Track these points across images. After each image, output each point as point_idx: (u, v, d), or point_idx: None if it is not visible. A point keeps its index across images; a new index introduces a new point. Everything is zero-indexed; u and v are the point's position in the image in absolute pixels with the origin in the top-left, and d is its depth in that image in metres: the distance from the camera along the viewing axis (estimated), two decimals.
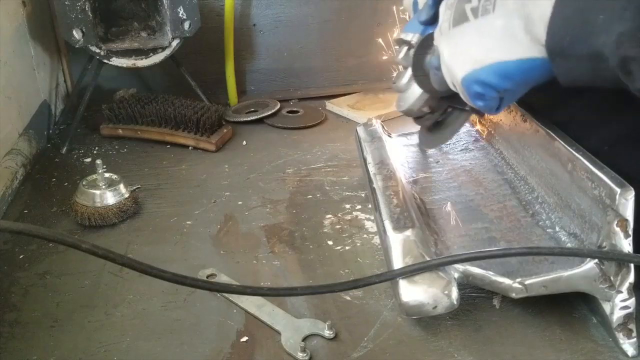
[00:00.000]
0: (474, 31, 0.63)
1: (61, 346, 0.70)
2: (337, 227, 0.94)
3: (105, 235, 0.93)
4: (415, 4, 0.89)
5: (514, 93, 0.66)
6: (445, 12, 0.68)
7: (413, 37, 0.82)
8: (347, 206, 1.00)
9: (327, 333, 0.70)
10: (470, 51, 0.64)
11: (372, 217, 0.94)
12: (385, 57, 1.38)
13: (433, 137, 0.92)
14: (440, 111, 0.87)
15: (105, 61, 1.27)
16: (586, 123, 0.77)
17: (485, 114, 0.92)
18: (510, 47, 0.60)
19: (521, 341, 0.68)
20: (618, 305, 0.65)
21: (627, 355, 0.66)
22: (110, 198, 0.95)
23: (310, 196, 1.05)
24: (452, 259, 0.69)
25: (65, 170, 1.16)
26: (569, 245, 0.74)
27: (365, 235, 0.91)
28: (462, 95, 0.69)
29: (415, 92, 0.84)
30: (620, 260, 0.64)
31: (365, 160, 0.96)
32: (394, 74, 0.90)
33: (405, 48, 0.84)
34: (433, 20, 0.77)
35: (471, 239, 0.78)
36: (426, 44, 0.78)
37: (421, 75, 0.80)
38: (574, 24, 0.54)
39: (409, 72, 0.84)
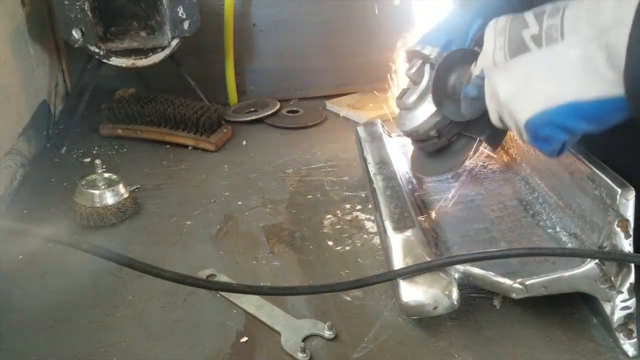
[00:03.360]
0: (540, 64, 0.54)
1: (61, 346, 0.70)
2: (337, 227, 0.94)
3: (105, 235, 0.93)
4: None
5: (586, 134, 0.57)
6: (495, 39, 0.59)
7: (432, 52, 0.74)
8: (347, 206, 1.00)
9: (327, 333, 0.70)
10: (539, 89, 0.54)
11: (372, 217, 0.94)
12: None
13: (434, 164, 0.83)
14: (449, 137, 0.77)
15: (105, 61, 1.27)
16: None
17: (499, 145, 0.80)
18: (590, 82, 0.51)
19: (522, 342, 0.68)
20: (619, 306, 0.65)
21: (627, 356, 0.65)
22: (109, 198, 0.95)
23: (310, 196, 1.04)
24: (453, 259, 0.69)
25: (64, 171, 1.15)
26: (569, 245, 0.74)
27: (365, 236, 0.91)
28: (520, 137, 0.60)
29: (425, 113, 0.75)
30: (621, 260, 0.63)
31: (365, 160, 0.96)
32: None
33: (419, 62, 0.76)
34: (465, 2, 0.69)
35: (472, 240, 0.78)
36: (452, 63, 0.70)
37: (442, 97, 0.72)
38: None
39: (420, 89, 0.76)
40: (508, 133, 0.81)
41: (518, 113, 0.57)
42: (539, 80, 0.54)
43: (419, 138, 0.79)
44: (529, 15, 0.56)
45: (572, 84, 0.52)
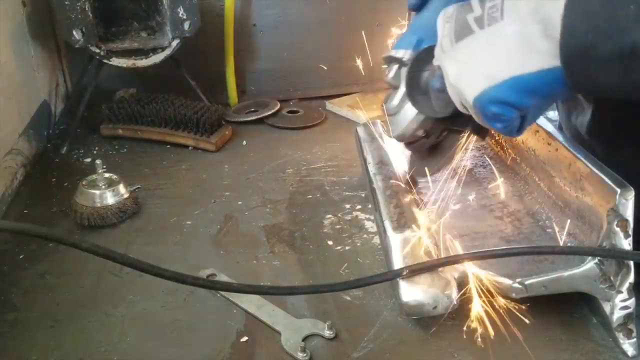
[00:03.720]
0: (482, 44, 0.56)
1: (61, 346, 0.70)
2: (337, 227, 0.94)
3: (105, 235, 0.93)
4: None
5: (537, 109, 0.58)
6: (444, 26, 0.61)
7: (405, 54, 0.75)
8: (347, 206, 1.00)
9: (327, 333, 0.70)
10: (480, 67, 0.56)
11: (372, 217, 0.94)
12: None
13: (428, 164, 0.83)
14: (436, 135, 0.78)
15: (105, 61, 1.27)
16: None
17: (486, 134, 0.80)
18: (527, 57, 0.52)
19: (522, 341, 0.68)
20: (618, 306, 0.65)
21: (627, 355, 0.66)
22: (110, 198, 0.95)
23: (310, 196, 1.04)
24: (452, 258, 0.69)
25: (65, 170, 1.15)
26: (569, 245, 0.74)
27: (365, 235, 0.91)
28: (476, 118, 0.61)
29: (409, 114, 0.76)
30: (620, 257, 0.63)
31: (365, 160, 0.96)
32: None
33: (395, 66, 0.77)
34: (422, 4, 0.70)
35: (471, 239, 0.78)
36: (421, 61, 0.70)
37: (417, 95, 0.72)
38: (597, 19, 0.46)
39: (400, 92, 0.77)
40: None
41: (465, 94, 0.58)
42: (480, 59, 0.56)
43: (408, 140, 0.80)
44: (474, 0, 0.58)
45: (510, 60, 0.53)
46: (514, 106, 0.55)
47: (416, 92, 0.72)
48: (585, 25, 0.47)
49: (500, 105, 0.55)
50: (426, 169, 0.84)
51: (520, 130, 0.59)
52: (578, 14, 0.47)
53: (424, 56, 0.70)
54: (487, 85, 0.55)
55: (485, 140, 0.89)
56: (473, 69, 0.57)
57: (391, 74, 0.77)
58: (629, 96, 0.51)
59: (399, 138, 0.80)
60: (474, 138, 0.79)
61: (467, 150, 0.83)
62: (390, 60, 0.77)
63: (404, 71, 0.74)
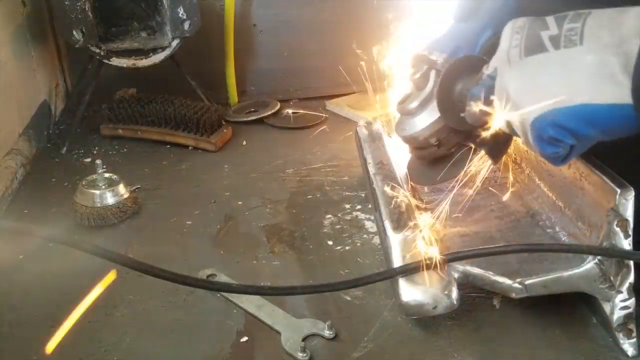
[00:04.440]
0: (555, 64, 0.53)
1: (61, 346, 0.70)
2: (337, 227, 0.94)
3: (105, 235, 0.93)
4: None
5: (589, 142, 0.56)
6: (512, 36, 0.58)
7: (439, 57, 0.72)
8: (347, 206, 1.00)
9: (327, 333, 0.70)
10: (549, 88, 0.53)
11: (372, 217, 0.94)
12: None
13: (431, 173, 0.80)
14: (449, 147, 0.75)
15: (105, 61, 1.27)
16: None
17: (501, 158, 0.76)
18: (602, 87, 0.50)
19: (521, 341, 0.68)
20: (618, 306, 0.65)
21: (627, 355, 0.66)
22: (110, 198, 0.95)
23: (310, 196, 1.04)
24: (452, 257, 0.69)
25: (65, 170, 1.15)
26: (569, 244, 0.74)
27: (365, 235, 0.91)
28: (523, 138, 0.59)
29: (427, 120, 0.73)
30: (619, 257, 0.63)
31: (365, 160, 0.96)
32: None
33: (425, 67, 0.73)
34: (471, 13, 0.68)
35: (471, 239, 0.78)
36: (459, 69, 0.67)
37: (447, 102, 0.69)
38: None
39: (423, 95, 0.73)
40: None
41: (525, 111, 0.56)
42: (551, 80, 0.54)
43: (417, 145, 0.77)
44: (550, 18, 0.56)
45: (585, 87, 0.51)
46: (572, 133, 0.53)
47: (447, 100, 0.69)
48: None
49: (560, 130, 0.54)
50: (429, 178, 0.81)
51: (565, 160, 0.57)
52: None
53: (462, 64, 0.68)
54: (554, 107, 0.53)
55: (497, 164, 0.83)
56: (541, 87, 0.54)
57: (418, 74, 0.74)
58: None
59: (409, 140, 0.77)
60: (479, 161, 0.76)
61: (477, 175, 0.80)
62: (422, 60, 0.74)
63: (433, 75, 0.72)
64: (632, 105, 0.49)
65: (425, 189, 0.93)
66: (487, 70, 0.62)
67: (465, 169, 0.76)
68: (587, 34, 0.51)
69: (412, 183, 0.88)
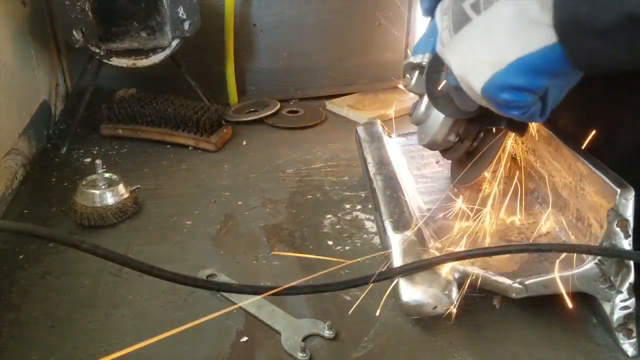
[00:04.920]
0: (480, 30, 0.53)
1: (61, 346, 0.70)
2: (337, 227, 0.94)
3: (105, 235, 0.93)
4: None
5: (557, 88, 0.54)
6: (442, 19, 0.58)
7: (423, 58, 0.71)
8: (347, 206, 1.00)
9: (327, 333, 0.70)
10: (482, 54, 0.52)
11: (372, 217, 0.94)
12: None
13: (467, 170, 0.78)
14: (471, 138, 0.74)
15: (105, 61, 1.27)
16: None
17: (526, 128, 0.73)
18: (529, 35, 0.49)
19: (521, 341, 0.68)
20: (618, 306, 0.65)
21: (627, 355, 0.66)
22: (109, 198, 0.95)
23: (310, 196, 1.04)
24: (451, 256, 0.69)
25: (65, 170, 1.15)
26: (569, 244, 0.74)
27: (365, 235, 0.91)
28: (491, 108, 0.57)
29: (437, 120, 0.72)
30: (619, 257, 0.63)
31: (365, 160, 0.96)
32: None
33: (416, 73, 0.73)
34: (434, 8, 0.65)
35: (472, 239, 0.78)
36: (438, 61, 0.67)
37: (439, 97, 0.69)
38: None
39: (425, 99, 0.73)
40: None
41: (473, 85, 0.55)
42: (481, 46, 0.52)
43: (441, 147, 0.76)
44: None
45: (512, 41, 0.50)
46: (525, 90, 0.52)
47: (437, 94, 0.69)
48: None
49: (511, 91, 0.52)
50: (469, 174, 0.79)
51: (543, 114, 0.55)
52: None
53: (440, 57, 0.67)
54: (493, 73, 0.52)
55: (524, 135, 0.80)
56: (475, 57, 0.53)
57: (413, 81, 0.74)
58: (636, 67, 0.46)
59: (431, 146, 0.76)
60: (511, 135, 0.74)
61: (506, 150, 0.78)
62: (411, 67, 0.74)
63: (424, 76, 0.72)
64: (559, 44, 0.47)
65: (421, 184, 0.93)
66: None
67: (498, 151, 0.74)
68: None
69: (460, 186, 0.85)
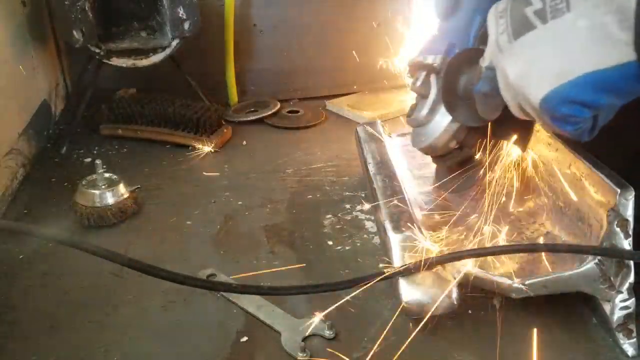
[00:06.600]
0: (548, 39, 0.51)
1: (61, 346, 0.70)
2: (337, 227, 0.94)
3: (105, 235, 0.93)
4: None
5: (611, 109, 0.52)
6: (497, 22, 0.56)
7: (435, 60, 0.70)
8: (347, 206, 1.00)
9: (327, 333, 0.70)
10: (548, 65, 0.51)
11: (372, 217, 0.94)
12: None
13: (458, 180, 0.77)
14: (471, 147, 0.72)
15: (105, 61, 1.27)
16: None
17: (528, 144, 0.73)
18: (604, 51, 0.47)
19: (521, 341, 0.68)
20: (618, 306, 0.65)
21: (627, 355, 0.66)
22: (109, 198, 0.95)
23: (310, 196, 1.04)
24: (451, 256, 0.69)
25: (65, 170, 1.15)
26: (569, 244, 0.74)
27: (365, 235, 0.91)
28: (540, 121, 0.56)
29: (440, 124, 0.70)
30: (619, 257, 0.63)
31: (365, 160, 0.96)
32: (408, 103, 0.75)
33: (423, 74, 0.72)
34: (454, 9, 0.66)
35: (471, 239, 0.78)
36: (457, 65, 0.65)
37: (455, 102, 0.67)
38: None
39: (430, 101, 0.71)
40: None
41: (531, 95, 0.53)
42: (548, 56, 0.51)
43: (439, 153, 0.74)
44: None
45: (584, 55, 0.48)
46: (587, 105, 0.50)
47: (454, 98, 0.67)
48: None
49: (573, 105, 0.51)
50: (462, 184, 0.78)
51: (592, 133, 0.54)
52: None
53: (460, 60, 0.66)
54: (558, 84, 0.50)
55: (526, 151, 0.80)
56: (539, 66, 0.52)
57: (419, 82, 0.72)
58: None
59: (429, 150, 0.74)
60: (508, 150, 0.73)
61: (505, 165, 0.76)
62: (418, 67, 0.72)
63: (434, 79, 0.70)
64: (637, 63, 0.46)
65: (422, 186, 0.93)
66: (484, 63, 0.60)
67: (496, 165, 0.73)
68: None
69: (447, 194, 0.83)
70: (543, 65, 0.51)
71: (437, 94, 0.70)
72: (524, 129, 0.68)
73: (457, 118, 0.68)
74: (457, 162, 0.74)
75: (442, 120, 0.70)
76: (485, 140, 0.71)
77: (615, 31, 0.46)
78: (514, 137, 0.69)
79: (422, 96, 0.73)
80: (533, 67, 0.52)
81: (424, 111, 0.72)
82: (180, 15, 1.26)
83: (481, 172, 0.74)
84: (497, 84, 0.59)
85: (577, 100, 0.50)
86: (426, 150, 0.74)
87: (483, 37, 0.62)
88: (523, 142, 0.70)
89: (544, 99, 0.52)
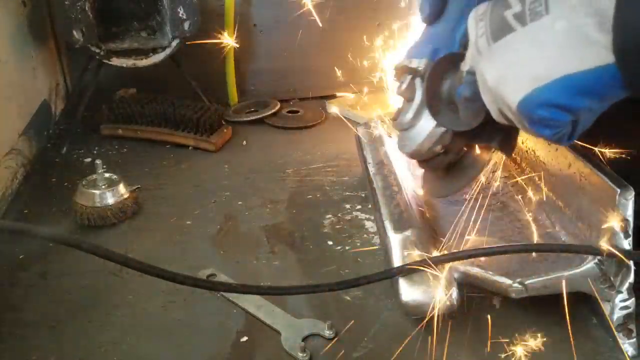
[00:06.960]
0: (526, 42, 0.50)
1: (61, 346, 0.70)
2: (337, 227, 0.94)
3: (105, 235, 0.93)
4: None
5: (591, 112, 0.52)
6: (476, 26, 0.55)
7: (420, 64, 0.69)
8: (347, 206, 1.00)
9: (327, 333, 0.70)
10: (525, 68, 0.50)
11: (372, 217, 0.94)
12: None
13: (444, 183, 0.76)
14: (456, 151, 0.72)
15: (105, 61, 1.27)
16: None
17: (514, 149, 0.71)
18: (581, 53, 0.47)
19: (521, 341, 0.68)
20: (618, 306, 0.65)
21: (627, 355, 0.65)
22: (109, 198, 0.95)
23: (310, 196, 1.04)
24: (451, 256, 0.69)
25: (65, 170, 1.15)
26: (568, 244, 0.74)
27: (365, 235, 0.91)
28: (519, 126, 0.56)
29: (425, 128, 0.69)
30: (618, 256, 0.63)
31: (365, 160, 0.96)
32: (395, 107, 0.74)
33: (409, 77, 0.71)
34: (440, 13, 0.65)
35: (472, 239, 0.78)
36: (441, 69, 0.65)
37: (438, 106, 0.67)
38: None
39: (415, 105, 0.70)
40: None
41: (508, 98, 0.52)
42: (525, 58, 0.50)
43: (424, 157, 0.73)
44: None
45: (563, 57, 0.48)
46: (565, 109, 0.50)
47: (437, 103, 0.67)
48: None
49: (550, 109, 0.50)
50: (446, 188, 0.77)
51: (572, 137, 0.53)
52: (632, 4, 0.42)
53: (443, 64, 0.66)
54: (535, 87, 0.50)
55: (511, 156, 0.79)
56: (517, 70, 0.51)
57: (404, 86, 0.71)
58: None
59: (414, 155, 0.73)
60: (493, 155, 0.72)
61: (492, 171, 0.76)
62: (404, 70, 0.72)
63: (419, 82, 0.70)
64: (615, 65, 0.46)
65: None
66: (465, 67, 0.60)
67: (483, 169, 0.73)
68: (552, 1, 0.48)
69: (431, 198, 0.83)
70: (520, 68, 0.51)
71: (422, 97, 0.70)
72: (508, 134, 0.68)
73: (441, 122, 0.68)
74: (444, 166, 0.74)
75: (427, 125, 0.69)
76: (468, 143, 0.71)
77: (594, 34, 0.46)
78: (498, 141, 0.69)
79: (408, 100, 0.72)
80: (510, 70, 0.52)
81: (409, 115, 0.71)
82: (180, 15, 1.26)
83: (471, 176, 0.74)
84: (476, 87, 0.58)
85: (555, 103, 0.50)
86: (412, 155, 0.73)
87: (468, 42, 0.61)
88: (507, 148, 0.70)
89: (521, 102, 0.51)
